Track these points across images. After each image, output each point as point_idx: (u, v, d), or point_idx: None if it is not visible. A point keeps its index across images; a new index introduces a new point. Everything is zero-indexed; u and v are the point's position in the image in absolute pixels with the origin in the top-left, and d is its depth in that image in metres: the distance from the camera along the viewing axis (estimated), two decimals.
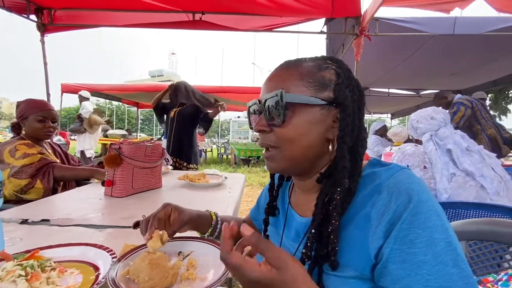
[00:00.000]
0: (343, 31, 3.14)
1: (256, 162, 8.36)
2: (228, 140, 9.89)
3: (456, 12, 2.36)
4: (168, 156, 1.38)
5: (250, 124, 0.58)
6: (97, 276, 0.56)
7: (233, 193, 1.33)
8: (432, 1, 2.31)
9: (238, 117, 8.29)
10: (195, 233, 0.74)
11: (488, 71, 4.31)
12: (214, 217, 0.72)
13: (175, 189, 1.39)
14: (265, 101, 0.49)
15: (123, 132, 8.56)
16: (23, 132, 1.40)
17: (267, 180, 5.89)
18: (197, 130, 2.99)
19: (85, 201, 1.10)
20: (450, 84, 5.22)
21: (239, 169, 7.41)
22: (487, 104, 2.51)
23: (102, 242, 0.68)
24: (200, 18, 3.17)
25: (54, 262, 0.58)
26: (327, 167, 0.50)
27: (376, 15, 2.73)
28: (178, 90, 2.91)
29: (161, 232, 0.59)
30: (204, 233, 0.73)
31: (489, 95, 8.54)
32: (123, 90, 8.40)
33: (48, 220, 0.87)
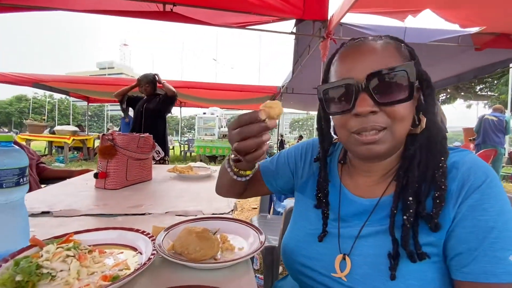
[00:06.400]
0: (311, 33, 3.35)
1: (222, 159, 8.33)
2: (193, 137, 9.68)
3: (409, 20, 2.71)
4: (159, 149, 1.36)
5: (325, 110, 0.52)
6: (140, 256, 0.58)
7: None
8: (389, 9, 2.63)
9: (204, 113, 8.14)
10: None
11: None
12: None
13: (166, 181, 1.38)
14: (375, 76, 0.45)
15: (74, 128, 7.76)
16: None
17: None
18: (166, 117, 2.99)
19: (77, 194, 1.05)
20: None
21: None
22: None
23: None
24: (171, 9, 3.08)
25: (89, 245, 0.58)
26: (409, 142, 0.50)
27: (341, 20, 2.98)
28: (153, 82, 2.88)
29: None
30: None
31: None
32: (72, 82, 7.60)
33: (48, 212, 0.83)
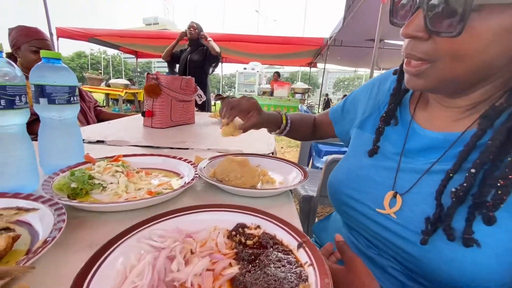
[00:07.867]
0: None
1: None
2: (233, 95, 9.79)
3: None
4: (201, 92, 1.35)
5: (391, 15, 0.40)
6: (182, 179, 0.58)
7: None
8: None
9: (245, 69, 7.95)
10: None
11: None
12: (284, 121, 0.72)
13: (208, 125, 1.39)
14: None
15: (126, 81, 8.32)
16: (19, 64, 1.25)
17: None
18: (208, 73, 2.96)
19: (128, 129, 1.11)
20: None
21: None
22: None
23: None
24: None
25: (136, 168, 0.60)
26: (503, 91, 0.37)
27: None
28: (200, 30, 2.82)
29: (237, 123, 0.59)
30: (271, 132, 0.75)
31: None
32: (122, 36, 7.91)
33: (102, 141, 0.89)
